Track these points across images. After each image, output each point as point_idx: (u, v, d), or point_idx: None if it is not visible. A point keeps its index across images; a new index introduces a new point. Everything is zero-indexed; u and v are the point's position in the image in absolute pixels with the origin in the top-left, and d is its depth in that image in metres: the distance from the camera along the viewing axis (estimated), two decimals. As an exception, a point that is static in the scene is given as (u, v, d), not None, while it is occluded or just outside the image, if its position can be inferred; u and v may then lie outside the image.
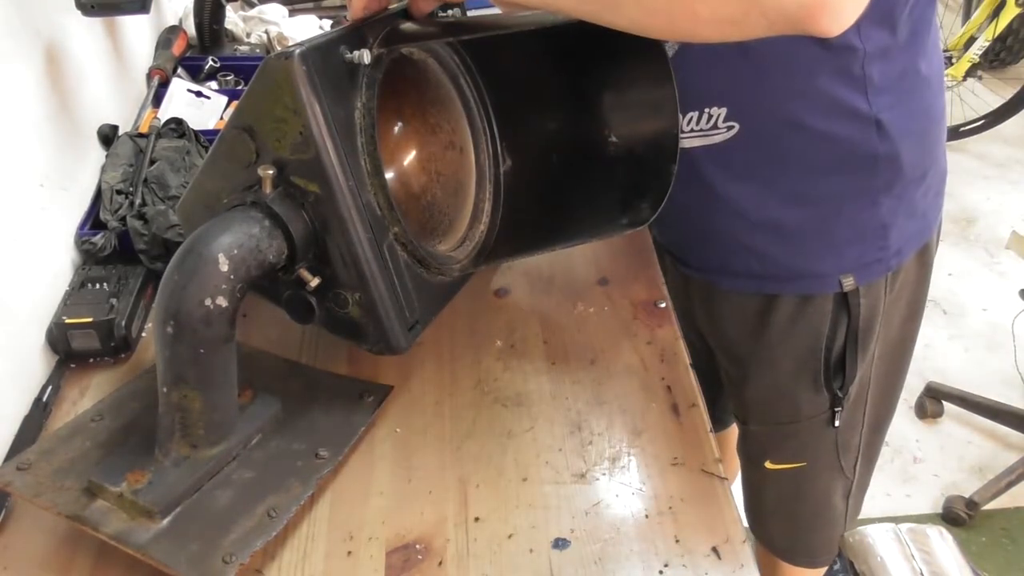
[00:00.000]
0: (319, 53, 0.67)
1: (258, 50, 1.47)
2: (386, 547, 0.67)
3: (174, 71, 1.29)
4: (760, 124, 0.83)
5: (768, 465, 1.06)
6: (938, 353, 2.31)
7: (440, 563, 0.65)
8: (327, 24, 1.54)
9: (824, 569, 1.19)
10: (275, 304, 0.77)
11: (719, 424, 1.37)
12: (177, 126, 1.05)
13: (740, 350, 1.00)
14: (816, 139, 0.83)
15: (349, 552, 0.66)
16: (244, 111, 0.69)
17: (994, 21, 3.02)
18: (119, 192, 0.95)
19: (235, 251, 0.65)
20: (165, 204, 0.93)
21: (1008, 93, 3.12)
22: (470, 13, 0.89)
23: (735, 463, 1.43)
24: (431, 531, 0.68)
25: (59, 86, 0.95)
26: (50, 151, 0.91)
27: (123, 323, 0.83)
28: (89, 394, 0.81)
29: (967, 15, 3.33)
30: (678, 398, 0.79)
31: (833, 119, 0.81)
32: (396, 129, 0.88)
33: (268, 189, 0.69)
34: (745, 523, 1.16)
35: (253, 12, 1.54)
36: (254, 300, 0.76)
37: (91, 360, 0.84)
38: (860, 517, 1.15)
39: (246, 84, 1.26)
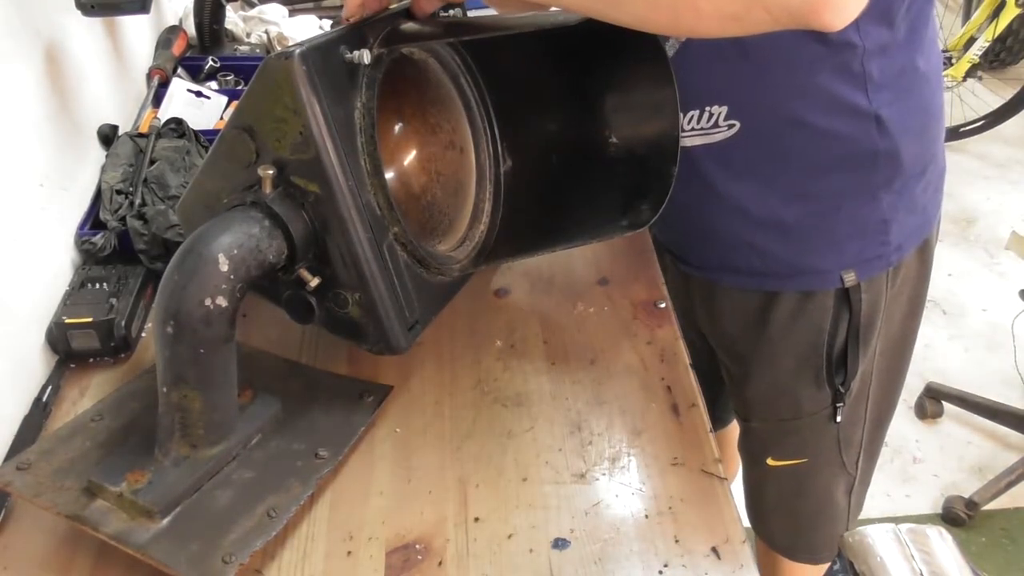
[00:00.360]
0: (319, 53, 0.67)
1: (258, 50, 1.47)
2: (386, 547, 0.67)
3: (174, 71, 1.29)
4: (761, 122, 0.83)
5: (770, 462, 1.06)
6: (938, 353, 2.31)
7: (440, 563, 0.65)
8: (327, 24, 1.54)
9: (825, 566, 1.19)
10: (275, 304, 0.77)
11: (719, 423, 1.37)
12: (177, 126, 1.05)
13: (741, 347, 1.00)
14: (816, 136, 0.83)
15: (349, 552, 0.66)
16: (244, 111, 0.69)
17: (994, 22, 3.02)
18: (119, 192, 0.95)
19: (235, 251, 0.65)
20: (165, 204, 0.93)
21: (1008, 93, 3.12)
22: (471, 13, 0.89)
23: (735, 462, 1.43)
24: (431, 531, 0.68)
25: (59, 86, 0.95)
26: (50, 151, 0.91)
27: (123, 323, 0.83)
28: (89, 394, 0.81)
29: (967, 15, 3.33)
30: (678, 398, 0.79)
31: (833, 116, 0.82)
32: (396, 129, 0.88)
33: (268, 189, 0.69)
34: (745, 522, 1.16)
35: (253, 12, 1.54)
36: (254, 300, 0.76)
37: (91, 360, 0.84)
38: (860, 518, 1.15)
39: (246, 84, 1.26)
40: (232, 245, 0.65)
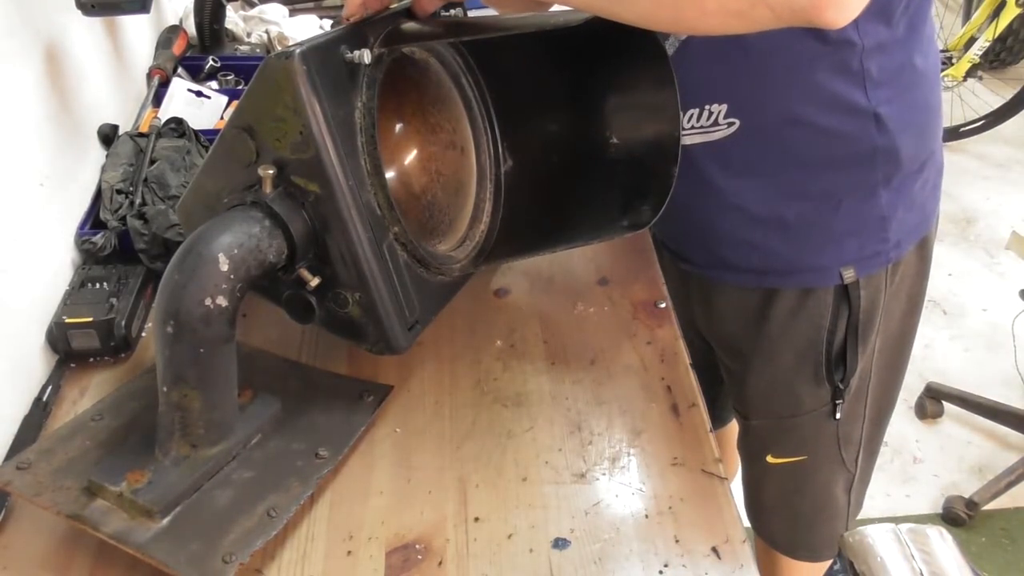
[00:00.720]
0: (319, 53, 0.67)
1: (258, 50, 1.47)
2: (386, 547, 0.67)
3: (174, 71, 1.29)
4: (760, 120, 0.84)
5: (769, 460, 1.07)
6: (938, 353, 2.31)
7: (440, 563, 0.65)
8: (327, 24, 1.54)
9: (825, 565, 1.19)
10: (275, 304, 0.77)
11: (718, 422, 1.37)
12: (177, 126, 1.05)
13: (740, 344, 1.00)
14: (815, 134, 0.83)
15: (349, 552, 0.66)
16: (244, 111, 0.69)
17: (994, 21, 3.02)
18: (119, 192, 0.95)
19: (235, 251, 0.65)
20: (165, 204, 0.93)
21: (1008, 93, 3.12)
22: (471, 13, 0.89)
23: (734, 461, 1.43)
24: (431, 531, 0.68)
25: (59, 86, 0.95)
26: (50, 151, 0.91)
27: (123, 323, 0.83)
28: (89, 394, 0.81)
29: (967, 15, 3.33)
30: (678, 398, 0.79)
31: (832, 114, 0.82)
32: (397, 129, 0.88)
33: (268, 189, 0.69)
34: (744, 522, 1.16)
35: (253, 12, 1.54)
36: (254, 300, 0.76)
37: (91, 360, 0.84)
38: (860, 517, 1.15)
39: (246, 84, 1.26)
40: (232, 245, 0.65)
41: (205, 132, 1.08)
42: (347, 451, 0.73)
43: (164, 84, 1.23)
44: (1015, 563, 1.77)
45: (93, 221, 0.95)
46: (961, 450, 2.05)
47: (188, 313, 0.63)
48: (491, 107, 0.90)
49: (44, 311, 0.85)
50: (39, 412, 0.79)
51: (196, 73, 1.33)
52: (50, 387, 0.82)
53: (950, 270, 2.62)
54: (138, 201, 0.93)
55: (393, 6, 0.76)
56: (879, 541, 0.90)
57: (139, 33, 1.28)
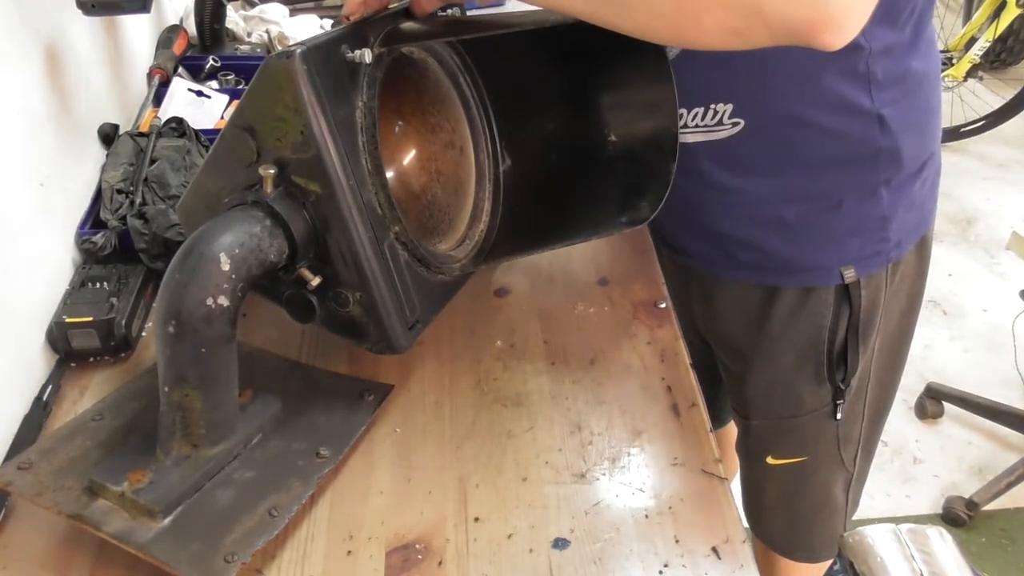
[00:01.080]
0: (320, 52, 0.67)
1: (259, 49, 1.47)
2: (386, 547, 0.67)
3: (175, 70, 1.29)
4: (765, 120, 0.84)
5: (769, 461, 1.07)
6: (938, 354, 2.31)
7: (440, 563, 0.65)
8: (327, 24, 1.54)
9: (824, 565, 1.19)
10: (275, 303, 0.77)
11: (717, 422, 1.36)
12: (178, 125, 1.05)
13: (741, 344, 1.00)
14: (819, 135, 0.83)
15: (349, 552, 0.66)
16: (245, 110, 0.69)
17: (995, 22, 3.02)
18: (119, 191, 0.95)
19: (236, 250, 0.65)
20: (165, 203, 0.93)
21: (1008, 94, 3.12)
22: (469, 13, 0.89)
23: (733, 461, 1.43)
24: (431, 531, 0.68)
25: (59, 86, 0.95)
26: (50, 151, 0.91)
27: (123, 322, 0.83)
28: (89, 393, 0.81)
29: (968, 16, 3.33)
30: (678, 398, 0.79)
31: (837, 115, 0.82)
32: (396, 128, 0.88)
33: (269, 188, 0.69)
34: (745, 523, 1.16)
35: (254, 11, 1.54)
36: (254, 300, 0.76)
37: (91, 359, 0.85)
38: (860, 517, 1.15)
39: (247, 83, 1.26)
40: (233, 244, 0.65)
41: (205, 132, 1.08)
42: (348, 451, 0.73)
43: (164, 84, 1.23)
44: (1015, 563, 1.77)
45: (93, 221, 0.95)
46: (961, 450, 2.05)
47: (189, 313, 0.63)
48: (489, 106, 0.90)
49: (44, 311, 0.85)
50: (39, 412, 0.79)
51: (196, 73, 1.33)
52: (50, 387, 0.82)
53: (950, 270, 2.62)
54: (138, 201, 0.93)
55: (392, 6, 0.76)
56: (879, 541, 0.90)
57: (139, 33, 1.28)
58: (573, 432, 0.76)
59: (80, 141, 1.00)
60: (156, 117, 1.11)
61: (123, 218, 0.92)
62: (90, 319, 0.83)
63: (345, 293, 0.73)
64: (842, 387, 0.97)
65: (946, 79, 3.01)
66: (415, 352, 0.84)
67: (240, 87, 1.31)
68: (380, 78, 0.73)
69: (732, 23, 0.58)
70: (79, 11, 0.98)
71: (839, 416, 0.99)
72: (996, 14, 3.02)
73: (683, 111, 0.86)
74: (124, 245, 0.91)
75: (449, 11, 0.83)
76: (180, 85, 1.21)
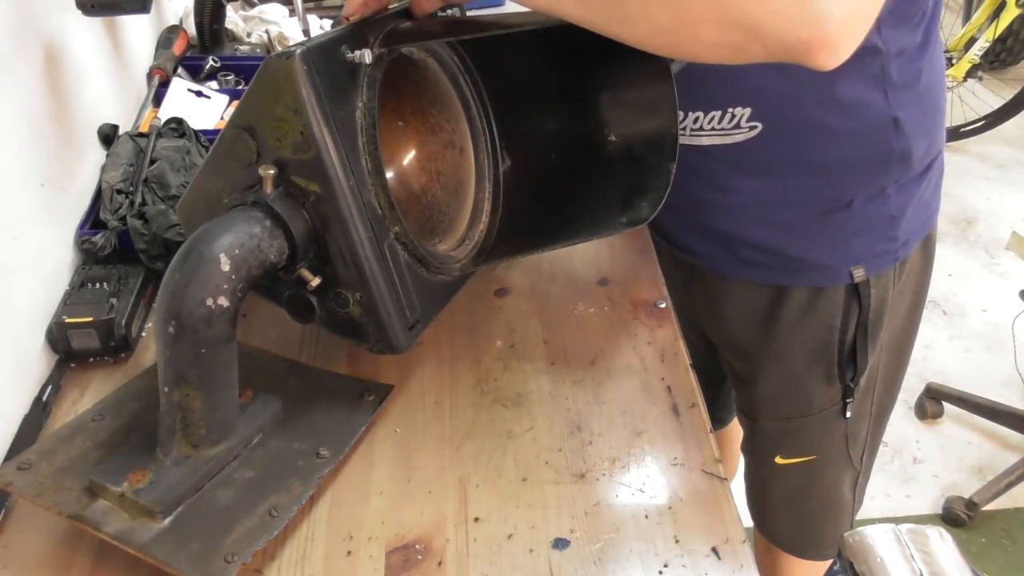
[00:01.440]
0: (320, 53, 0.67)
1: (258, 50, 1.47)
2: (386, 547, 0.67)
3: (174, 71, 1.29)
4: (783, 124, 0.84)
5: (778, 460, 1.07)
6: (938, 354, 2.31)
7: (440, 563, 0.65)
8: (327, 24, 1.54)
9: (824, 564, 1.19)
10: (275, 304, 0.77)
11: (718, 423, 1.37)
12: (177, 126, 1.05)
13: (749, 345, 1.00)
14: (835, 137, 0.84)
15: (349, 552, 0.66)
16: (245, 111, 0.69)
17: (994, 22, 3.03)
18: (119, 192, 0.95)
19: (236, 251, 0.65)
20: (165, 204, 0.93)
21: (1008, 94, 3.12)
22: (468, 13, 0.89)
23: (733, 462, 1.43)
24: (431, 531, 0.68)
25: (59, 86, 0.95)
26: (50, 151, 0.91)
27: (123, 323, 0.83)
28: (89, 394, 0.81)
29: (967, 16, 3.33)
30: (678, 398, 0.79)
31: (853, 118, 0.83)
32: (396, 129, 0.88)
33: (269, 189, 0.69)
34: (746, 522, 1.16)
35: (253, 12, 1.54)
36: (254, 300, 0.76)
37: (91, 360, 0.85)
38: (860, 517, 1.16)
39: (246, 84, 1.26)
40: (233, 245, 0.65)
41: (205, 132, 1.08)
42: (348, 451, 0.73)
43: (164, 84, 1.23)
44: (1015, 563, 1.77)
45: (93, 221, 0.95)
46: (961, 450, 2.05)
47: (189, 313, 0.63)
48: (489, 107, 0.90)
49: (44, 311, 0.85)
50: (39, 412, 0.79)
51: (196, 73, 1.33)
52: (50, 387, 0.82)
53: (950, 270, 2.62)
54: (138, 201, 0.93)
55: (392, 6, 0.76)
56: (879, 541, 0.90)
57: (139, 33, 1.28)
58: (573, 432, 0.76)
59: (80, 141, 1.00)
60: (156, 117, 1.11)
61: (123, 218, 0.92)
62: (90, 319, 0.83)
63: (345, 293, 0.73)
64: (851, 386, 0.97)
65: (946, 79, 3.01)
66: (415, 352, 0.84)
67: (240, 87, 1.31)
68: (380, 78, 0.73)
69: (729, 39, 0.58)
70: (79, 11, 0.98)
71: (848, 415, 0.99)
72: (996, 14, 3.02)
73: (699, 114, 0.86)
74: (124, 245, 0.92)
75: (449, 11, 0.83)
76: (180, 85, 1.21)
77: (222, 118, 1.21)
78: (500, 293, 0.93)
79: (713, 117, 0.85)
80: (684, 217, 0.96)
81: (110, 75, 1.14)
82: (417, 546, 0.67)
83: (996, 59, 3.50)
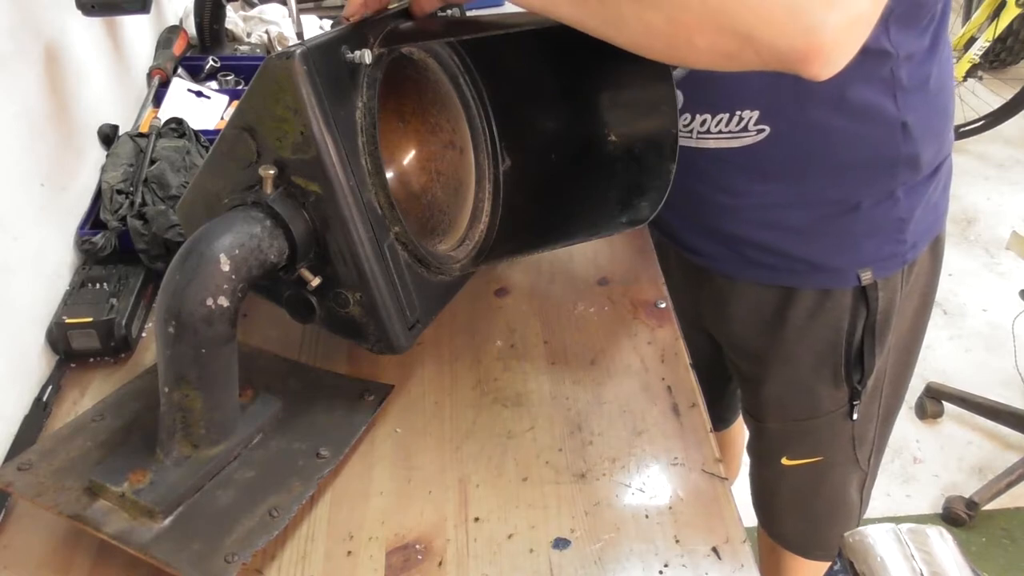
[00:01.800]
0: (320, 53, 0.67)
1: (258, 50, 1.47)
2: (386, 547, 0.67)
3: (174, 71, 1.29)
4: (791, 127, 0.84)
5: (784, 462, 1.07)
6: (938, 353, 2.31)
7: (440, 563, 0.65)
8: (327, 24, 1.54)
9: (824, 564, 1.20)
10: (275, 304, 0.77)
11: (721, 423, 1.37)
12: (177, 126, 1.05)
13: (756, 347, 1.00)
14: (844, 141, 0.84)
15: (349, 552, 0.66)
16: (245, 111, 0.69)
17: (994, 22, 3.03)
18: (119, 192, 0.95)
19: (236, 251, 0.65)
20: (165, 204, 0.93)
21: (1008, 93, 3.12)
22: (468, 13, 0.89)
23: (735, 462, 1.43)
24: (431, 531, 0.68)
25: (59, 86, 0.95)
26: (50, 151, 0.91)
27: (123, 323, 0.83)
28: (89, 394, 0.81)
29: (967, 16, 3.33)
30: (678, 398, 0.79)
31: (862, 122, 0.83)
32: (396, 129, 0.88)
33: (269, 189, 0.69)
34: (748, 522, 1.16)
35: (253, 12, 1.54)
36: (254, 300, 0.76)
37: (91, 360, 0.85)
38: (859, 517, 1.16)
39: (246, 84, 1.26)
40: (233, 245, 0.65)
41: (205, 132, 1.08)
42: (348, 451, 0.73)
43: (164, 84, 1.23)
44: (1015, 563, 1.77)
45: (93, 221, 0.95)
46: (961, 450, 2.05)
47: (190, 313, 0.63)
48: (489, 106, 0.90)
49: (44, 311, 0.85)
50: (39, 412, 0.79)
51: (196, 73, 1.33)
52: (50, 387, 0.82)
53: (950, 270, 2.62)
54: (138, 201, 0.93)
55: (392, 6, 0.76)
56: (879, 541, 0.90)
57: (139, 33, 1.28)
58: (573, 432, 0.76)
59: (80, 141, 1.00)
60: (156, 118, 1.11)
61: (123, 219, 0.92)
62: (90, 320, 0.83)
63: (345, 293, 0.73)
64: (859, 388, 0.97)
65: (949, 80, 3.01)
66: (415, 352, 0.84)
67: (240, 87, 1.31)
68: (380, 78, 0.73)
69: (723, 46, 0.58)
70: (79, 11, 0.98)
71: (855, 417, 0.99)
72: (995, 14, 3.02)
73: (706, 116, 0.86)
74: (124, 245, 0.92)
75: (449, 11, 0.83)
76: (180, 85, 1.21)
77: (222, 118, 1.21)
78: (500, 293, 0.93)
79: (721, 120, 0.85)
80: (692, 219, 0.95)
81: (110, 75, 1.14)
82: (417, 546, 0.67)
83: (996, 59, 3.50)
